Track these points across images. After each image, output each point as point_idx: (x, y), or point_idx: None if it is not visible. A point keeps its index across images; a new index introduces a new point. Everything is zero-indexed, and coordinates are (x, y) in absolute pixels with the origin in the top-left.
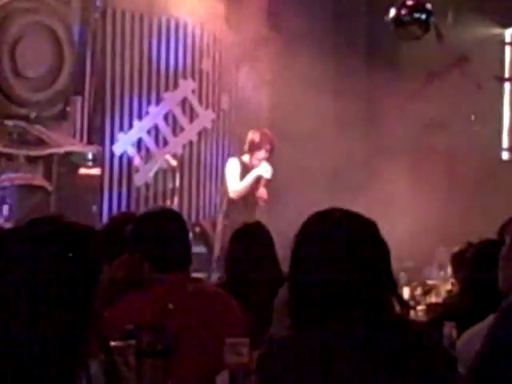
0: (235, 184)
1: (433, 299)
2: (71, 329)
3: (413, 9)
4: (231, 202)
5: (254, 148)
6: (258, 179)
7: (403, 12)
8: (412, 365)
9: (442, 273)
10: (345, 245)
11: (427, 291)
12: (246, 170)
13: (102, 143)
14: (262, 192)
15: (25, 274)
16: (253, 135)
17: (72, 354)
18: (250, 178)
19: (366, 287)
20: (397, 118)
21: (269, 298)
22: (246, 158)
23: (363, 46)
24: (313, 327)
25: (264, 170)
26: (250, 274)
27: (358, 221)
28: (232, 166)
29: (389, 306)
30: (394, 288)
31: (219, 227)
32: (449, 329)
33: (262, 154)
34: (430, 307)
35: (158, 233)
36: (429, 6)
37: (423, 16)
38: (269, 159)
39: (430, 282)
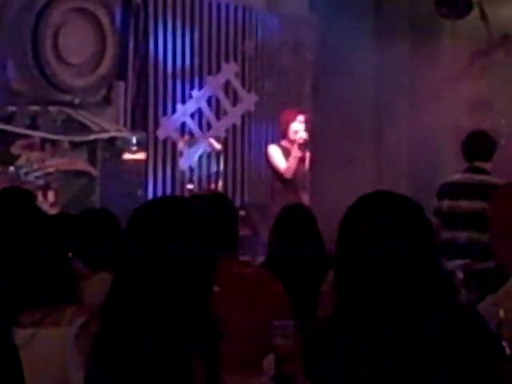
0: (283, 164)
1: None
2: None
3: None
4: (278, 186)
5: (287, 122)
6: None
7: None
8: (456, 347)
9: None
10: (390, 229)
11: None
12: (286, 153)
13: (145, 128)
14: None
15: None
16: (283, 113)
17: None
18: (294, 154)
19: (411, 271)
20: (440, 97)
21: (312, 280)
22: (284, 142)
23: (406, 26)
24: (357, 310)
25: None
26: (292, 256)
27: (403, 204)
28: (273, 151)
29: (434, 289)
30: (439, 271)
31: (269, 212)
32: (495, 309)
33: (296, 124)
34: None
35: (206, 216)
36: None
37: None
38: (307, 130)
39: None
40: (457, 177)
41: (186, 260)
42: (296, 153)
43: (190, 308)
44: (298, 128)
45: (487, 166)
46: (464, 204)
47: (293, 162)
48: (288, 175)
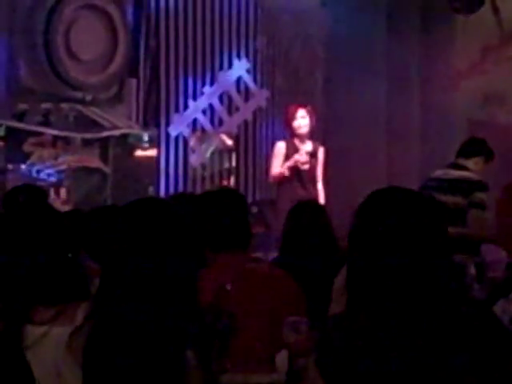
0: (274, 169)
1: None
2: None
3: None
4: (285, 180)
5: (289, 121)
6: (296, 166)
7: None
8: (468, 343)
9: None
10: (402, 227)
11: None
12: (294, 149)
13: (157, 124)
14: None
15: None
16: (285, 111)
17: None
18: (287, 165)
19: (424, 268)
20: (452, 91)
21: (325, 276)
22: (293, 139)
23: (418, 21)
24: (370, 307)
25: (298, 157)
26: (304, 252)
27: (415, 201)
28: (276, 150)
29: (446, 286)
30: (451, 268)
31: (277, 206)
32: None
33: (297, 122)
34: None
35: (217, 213)
36: None
37: None
38: (312, 125)
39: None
40: (438, 172)
41: (171, 266)
42: (285, 171)
43: (179, 308)
44: (299, 124)
45: (468, 163)
46: (440, 198)
47: (279, 174)
48: (271, 180)
